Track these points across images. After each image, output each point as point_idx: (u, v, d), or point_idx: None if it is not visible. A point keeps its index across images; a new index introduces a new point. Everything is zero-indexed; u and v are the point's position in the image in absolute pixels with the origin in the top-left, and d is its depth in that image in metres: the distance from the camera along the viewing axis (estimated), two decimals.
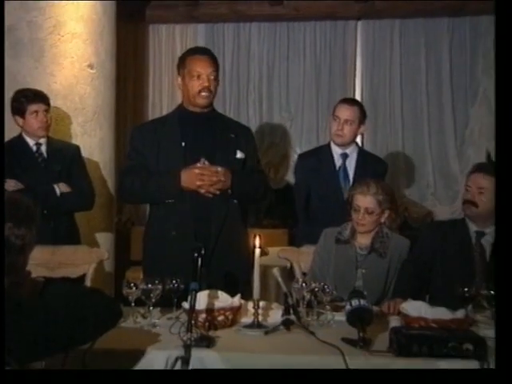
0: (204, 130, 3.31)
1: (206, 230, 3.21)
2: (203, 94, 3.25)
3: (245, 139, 3.42)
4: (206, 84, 3.24)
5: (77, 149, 4.01)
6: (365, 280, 3.15)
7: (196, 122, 3.32)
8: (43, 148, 3.86)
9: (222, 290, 2.69)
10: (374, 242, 3.20)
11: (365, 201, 3.18)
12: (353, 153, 3.97)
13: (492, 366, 2.13)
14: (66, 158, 3.89)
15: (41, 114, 3.78)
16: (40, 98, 3.81)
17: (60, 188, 3.78)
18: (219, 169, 3.18)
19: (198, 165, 3.19)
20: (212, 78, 3.26)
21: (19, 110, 3.80)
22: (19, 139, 3.86)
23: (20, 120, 3.81)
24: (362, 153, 4.07)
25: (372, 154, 4.30)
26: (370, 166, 3.93)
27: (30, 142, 3.85)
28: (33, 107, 3.77)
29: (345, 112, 3.90)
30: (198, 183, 3.16)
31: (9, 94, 4.35)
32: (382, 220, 3.22)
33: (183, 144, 3.26)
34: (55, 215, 3.76)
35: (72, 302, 1.95)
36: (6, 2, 4.30)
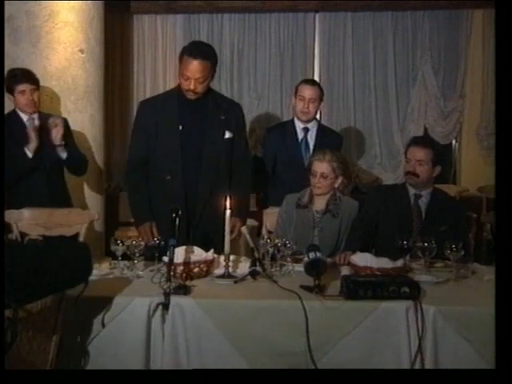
0: (198, 112, 3.17)
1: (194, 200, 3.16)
2: (189, 93, 3.11)
3: (235, 119, 3.27)
4: (192, 87, 3.07)
5: (65, 120, 3.77)
6: (320, 237, 3.17)
7: (191, 105, 3.16)
8: (36, 122, 3.62)
9: (207, 248, 2.67)
10: (328, 205, 3.20)
11: (321, 166, 3.18)
12: (313, 127, 3.94)
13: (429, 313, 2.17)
14: None
15: (27, 93, 3.56)
16: (27, 78, 3.58)
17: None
18: None
19: None
20: (200, 81, 3.07)
21: (9, 89, 3.60)
22: (14, 114, 3.66)
23: (11, 97, 3.62)
24: (320, 127, 4.03)
25: (329, 128, 4.26)
26: (328, 139, 3.91)
27: (24, 117, 3.64)
28: (20, 87, 3.56)
29: (308, 92, 3.87)
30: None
31: None
32: (336, 185, 3.22)
33: (180, 127, 3.15)
34: (52, 180, 3.63)
35: (48, 256, 1.92)
36: None
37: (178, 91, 3.21)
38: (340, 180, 3.22)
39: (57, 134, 3.52)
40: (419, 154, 3.11)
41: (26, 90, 3.57)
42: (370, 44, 5.70)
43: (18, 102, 3.61)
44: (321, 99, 3.92)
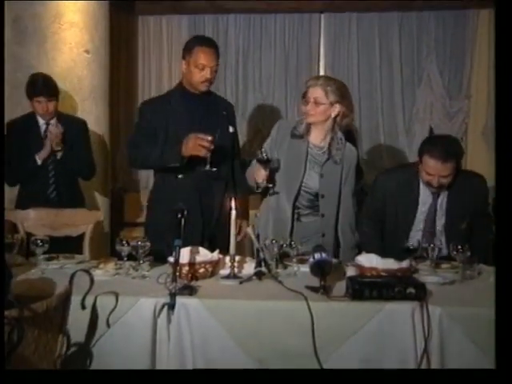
0: (203, 108, 3.19)
1: (210, 203, 3.18)
2: (205, 83, 3.12)
3: (232, 115, 3.36)
4: (209, 76, 3.10)
5: (83, 123, 3.85)
6: (322, 185, 2.99)
7: (196, 100, 3.18)
8: (51, 128, 3.65)
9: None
10: (331, 149, 3.00)
11: (314, 91, 2.96)
12: None
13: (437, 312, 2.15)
14: (71, 132, 3.69)
15: (43, 103, 3.61)
16: (45, 91, 3.60)
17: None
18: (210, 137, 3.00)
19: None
20: (214, 70, 3.13)
21: (27, 95, 3.64)
22: (32, 117, 3.70)
23: (29, 102, 3.66)
24: None
25: None
26: None
27: (40, 120, 3.68)
28: (37, 98, 3.61)
29: None
30: (198, 151, 2.96)
31: (16, 77, 4.29)
32: (333, 114, 2.95)
33: (189, 120, 3.13)
34: (58, 184, 3.68)
35: None
36: None
37: (180, 88, 3.22)
38: (337, 109, 2.94)
39: (52, 141, 3.60)
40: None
41: (42, 101, 3.61)
42: (375, 44, 5.72)
43: (34, 108, 3.66)
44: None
